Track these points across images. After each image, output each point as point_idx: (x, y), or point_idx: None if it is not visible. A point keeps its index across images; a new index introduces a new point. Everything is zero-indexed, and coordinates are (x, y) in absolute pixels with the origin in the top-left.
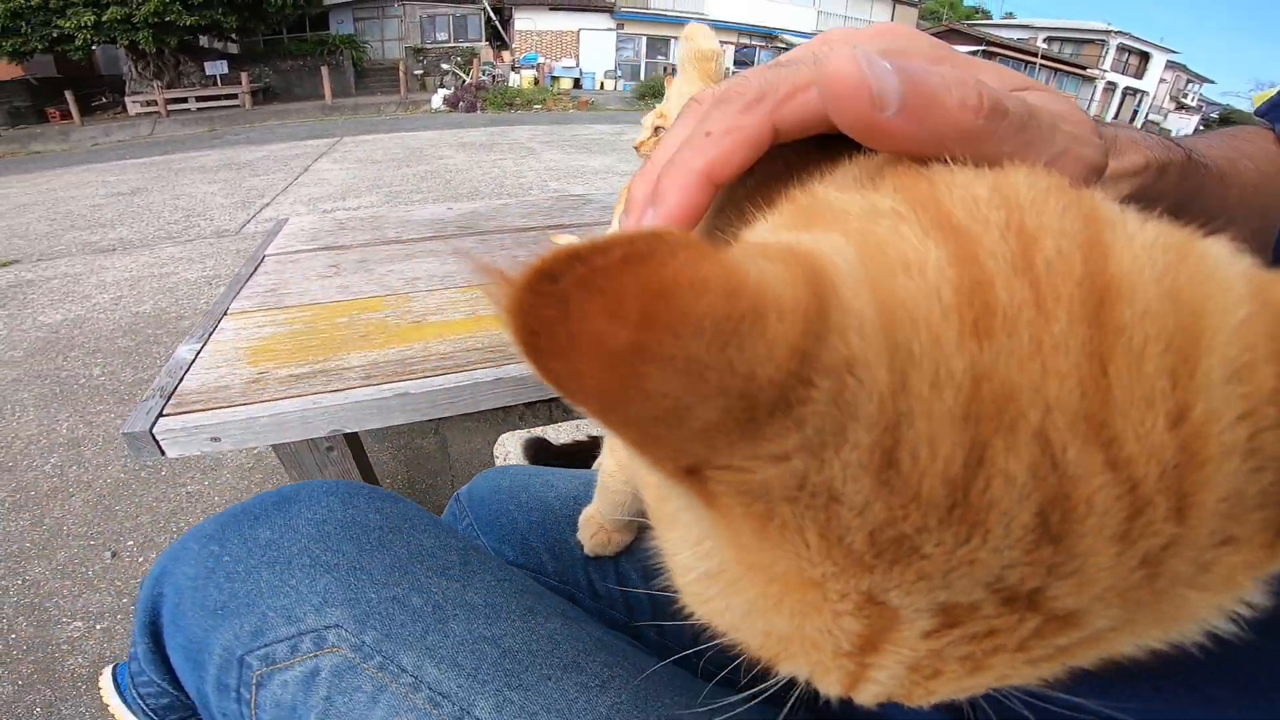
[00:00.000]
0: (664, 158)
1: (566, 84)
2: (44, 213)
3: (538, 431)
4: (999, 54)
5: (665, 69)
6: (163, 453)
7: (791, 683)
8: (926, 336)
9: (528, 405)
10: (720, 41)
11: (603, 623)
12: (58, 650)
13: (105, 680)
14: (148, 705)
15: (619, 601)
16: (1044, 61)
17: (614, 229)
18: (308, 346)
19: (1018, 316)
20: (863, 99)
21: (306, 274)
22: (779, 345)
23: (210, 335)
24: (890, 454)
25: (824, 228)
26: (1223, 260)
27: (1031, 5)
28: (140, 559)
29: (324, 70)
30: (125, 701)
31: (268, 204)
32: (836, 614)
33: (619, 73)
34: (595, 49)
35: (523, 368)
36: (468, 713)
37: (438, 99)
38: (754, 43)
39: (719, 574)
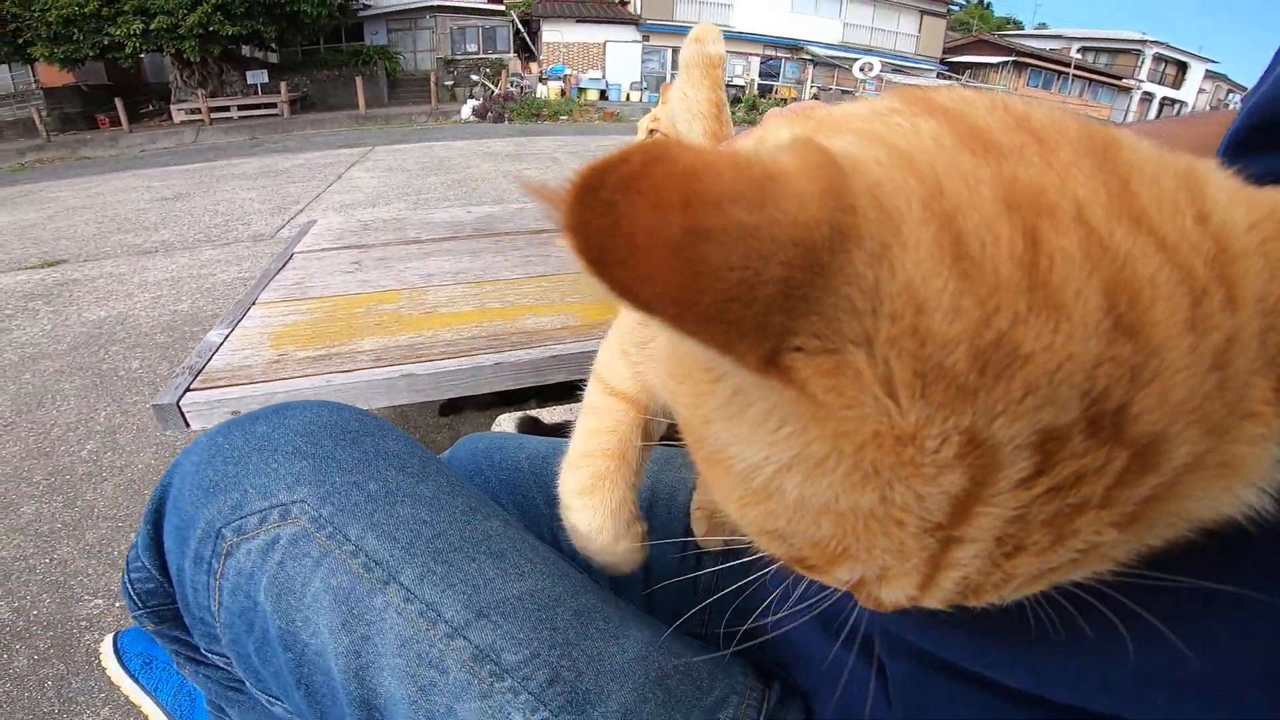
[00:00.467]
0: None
1: (593, 95)
2: (92, 216)
3: (533, 412)
4: (1031, 64)
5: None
6: (187, 424)
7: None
8: (944, 162)
9: (538, 400)
10: (746, 54)
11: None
12: (76, 627)
13: (106, 645)
14: (135, 590)
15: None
16: (1078, 72)
17: None
18: (326, 333)
19: (1022, 148)
20: None
21: (330, 269)
22: (806, 188)
23: (238, 322)
24: (957, 243)
25: (832, 131)
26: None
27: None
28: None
29: (358, 80)
30: (123, 665)
31: (301, 210)
32: (936, 468)
33: (645, 84)
34: (621, 60)
35: (521, 353)
36: (394, 579)
37: (467, 109)
38: (779, 54)
39: (800, 459)
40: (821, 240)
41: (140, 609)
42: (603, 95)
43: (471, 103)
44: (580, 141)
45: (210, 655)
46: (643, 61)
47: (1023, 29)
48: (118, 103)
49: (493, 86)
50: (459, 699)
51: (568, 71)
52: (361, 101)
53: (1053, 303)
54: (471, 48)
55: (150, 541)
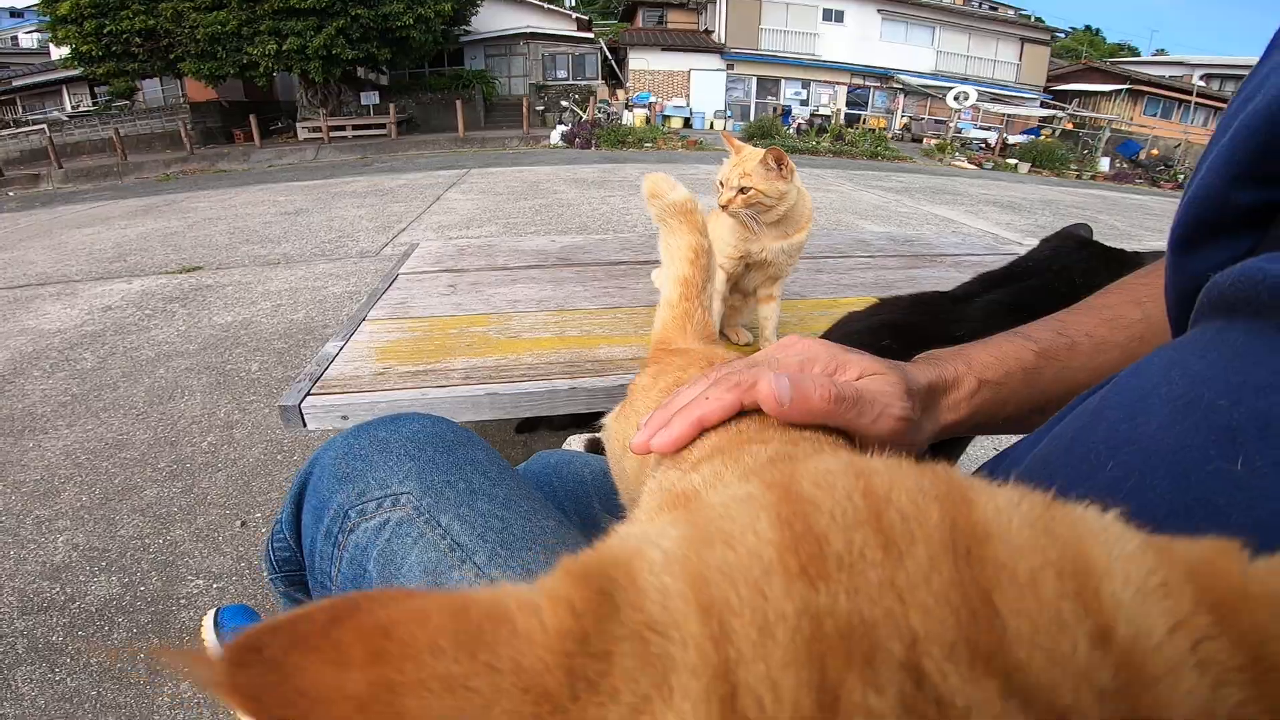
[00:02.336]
0: (679, 404)
1: (677, 123)
2: (226, 226)
3: (601, 435)
4: (1147, 92)
5: (774, 110)
6: (305, 425)
7: None
8: (746, 589)
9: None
10: (832, 83)
11: None
12: (176, 604)
13: (208, 617)
14: (274, 556)
15: None
16: (1200, 100)
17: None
18: (423, 350)
19: (858, 560)
20: (772, 403)
21: (429, 291)
22: (537, 633)
23: (351, 336)
24: (730, 700)
25: (672, 515)
26: (1084, 507)
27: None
28: (262, 530)
29: (458, 104)
30: (218, 636)
31: (404, 229)
32: None
33: (729, 113)
34: (705, 89)
35: (593, 380)
36: (470, 558)
37: (556, 135)
38: (867, 83)
39: None
40: (556, 687)
41: (276, 573)
42: (686, 123)
43: (561, 128)
44: (663, 169)
45: None
46: (727, 90)
47: (1138, 55)
48: (251, 119)
49: (581, 112)
50: None
51: (653, 99)
52: (460, 124)
53: None
54: (562, 74)
55: (291, 518)
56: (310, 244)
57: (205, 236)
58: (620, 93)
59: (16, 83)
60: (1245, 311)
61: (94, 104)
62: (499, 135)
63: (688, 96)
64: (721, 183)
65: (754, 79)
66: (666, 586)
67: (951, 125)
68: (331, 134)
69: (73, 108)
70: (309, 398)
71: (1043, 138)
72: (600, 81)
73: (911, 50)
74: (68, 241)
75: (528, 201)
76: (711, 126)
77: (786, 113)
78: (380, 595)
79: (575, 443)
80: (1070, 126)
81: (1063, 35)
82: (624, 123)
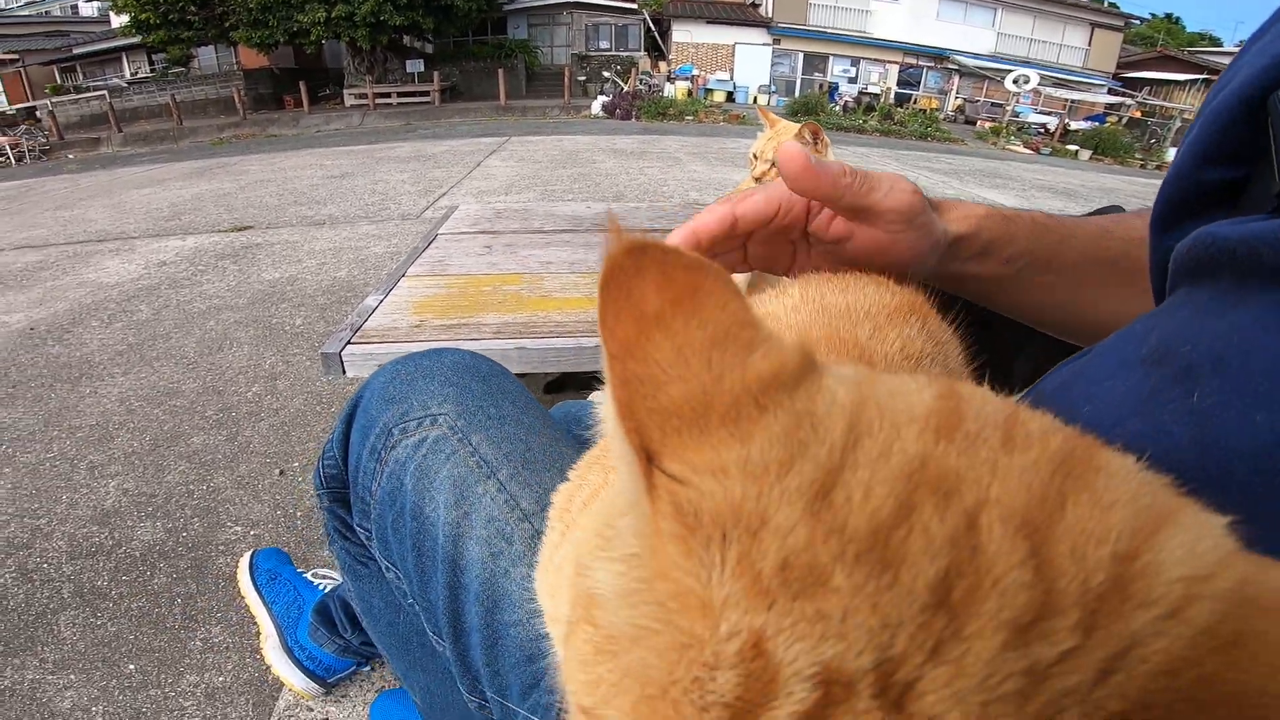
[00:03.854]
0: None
1: (719, 97)
2: (275, 188)
3: None
4: None
5: (820, 86)
6: (344, 372)
7: None
8: (889, 424)
9: None
10: (883, 61)
11: None
12: (214, 550)
13: (244, 560)
14: (324, 473)
15: None
16: None
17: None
18: (458, 305)
19: (979, 441)
20: (800, 159)
21: (466, 251)
22: (751, 370)
23: (390, 290)
24: (827, 490)
25: (857, 366)
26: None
27: None
28: (299, 480)
29: (500, 72)
30: (253, 578)
31: (444, 194)
32: (717, 660)
33: (773, 88)
34: (750, 63)
35: None
36: (494, 475)
37: (597, 105)
38: (920, 63)
39: (627, 574)
40: (719, 409)
41: (323, 489)
42: (729, 97)
43: (601, 99)
44: (704, 143)
45: (358, 530)
46: (772, 65)
47: (1220, 45)
48: (301, 86)
49: (622, 84)
50: (515, 564)
51: (695, 72)
52: (502, 93)
53: (883, 560)
54: (604, 44)
55: (341, 438)
56: (354, 206)
57: (255, 198)
58: (662, 65)
59: (77, 50)
60: (1205, 274)
61: (152, 71)
62: (540, 104)
63: (731, 70)
64: (755, 155)
65: (800, 55)
66: (838, 397)
67: (1009, 108)
68: (377, 101)
69: (131, 74)
70: (349, 346)
71: (1107, 125)
72: (643, 53)
73: (970, 31)
74: (126, 201)
75: (566, 170)
76: (755, 101)
77: (833, 90)
78: (728, 276)
79: (599, 398)
80: (1138, 115)
81: (1138, 22)
82: (665, 95)
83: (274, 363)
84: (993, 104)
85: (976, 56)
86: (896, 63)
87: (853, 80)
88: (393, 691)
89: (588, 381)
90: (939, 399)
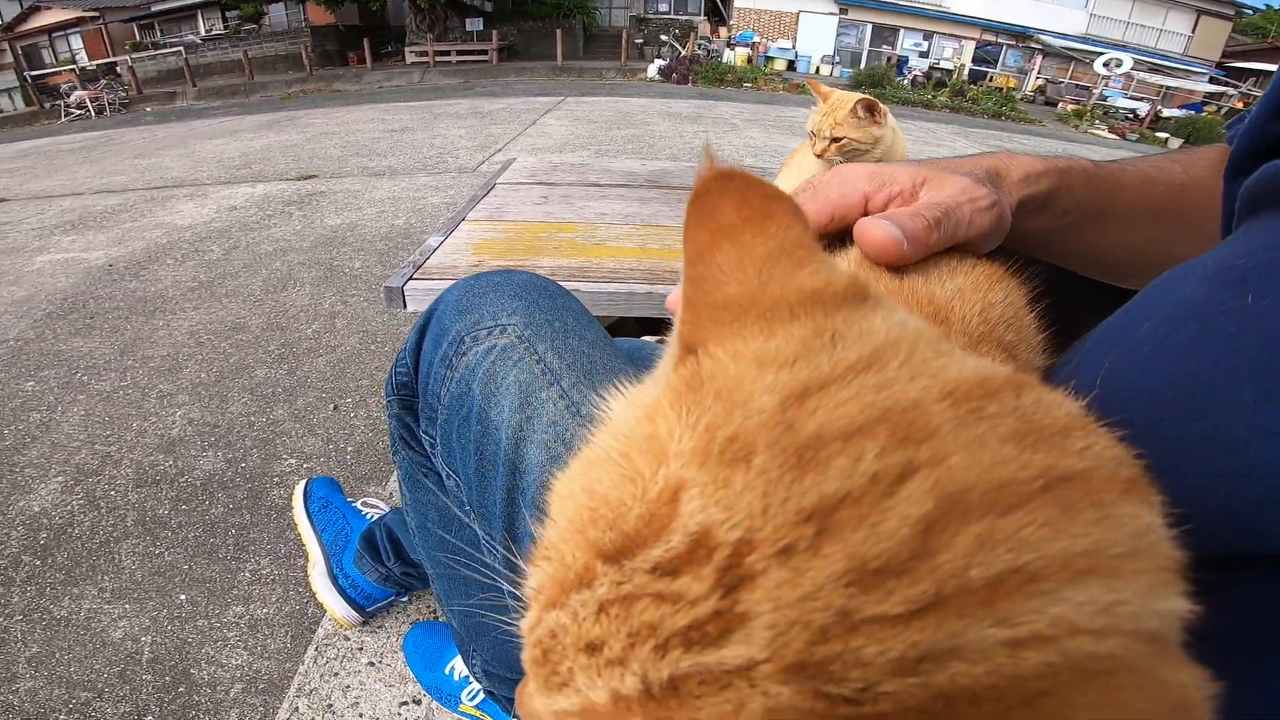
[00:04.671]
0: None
1: (780, 65)
2: (338, 141)
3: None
4: None
5: (889, 59)
6: (405, 305)
7: None
8: (907, 368)
9: None
10: (959, 36)
11: None
12: (269, 482)
13: (299, 487)
14: (395, 380)
15: None
16: None
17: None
18: (515, 248)
19: (987, 422)
20: (893, 249)
21: (523, 200)
22: (794, 283)
23: (451, 232)
24: (808, 394)
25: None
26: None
27: None
28: (352, 415)
29: (558, 33)
30: (306, 505)
31: (500, 149)
32: (642, 495)
33: (837, 58)
34: (815, 32)
35: (669, 288)
36: (558, 382)
37: (653, 69)
38: (1000, 40)
39: (628, 411)
40: (757, 312)
41: (392, 395)
42: (791, 66)
43: (658, 62)
44: (761, 110)
45: (422, 438)
46: (838, 35)
47: None
48: (365, 43)
49: (680, 48)
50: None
51: (756, 39)
52: (559, 53)
53: (801, 461)
54: (663, 7)
55: (414, 347)
56: (413, 159)
57: (320, 149)
58: (723, 30)
59: (155, 8)
60: (1266, 203)
61: (225, 28)
62: (596, 66)
63: (794, 39)
64: (813, 132)
65: (869, 26)
66: (874, 327)
67: (1095, 91)
68: (437, 58)
69: (206, 31)
70: (411, 281)
71: (1205, 114)
72: (702, 18)
73: (1058, 10)
74: (200, 151)
75: (620, 131)
76: (817, 71)
77: (901, 63)
78: (799, 211)
79: (650, 340)
80: (1240, 105)
81: (1251, 12)
82: (724, 61)
83: (333, 303)
84: (1078, 86)
85: (1064, 37)
86: (973, 39)
87: (924, 55)
88: (425, 624)
89: (637, 332)
90: (979, 375)
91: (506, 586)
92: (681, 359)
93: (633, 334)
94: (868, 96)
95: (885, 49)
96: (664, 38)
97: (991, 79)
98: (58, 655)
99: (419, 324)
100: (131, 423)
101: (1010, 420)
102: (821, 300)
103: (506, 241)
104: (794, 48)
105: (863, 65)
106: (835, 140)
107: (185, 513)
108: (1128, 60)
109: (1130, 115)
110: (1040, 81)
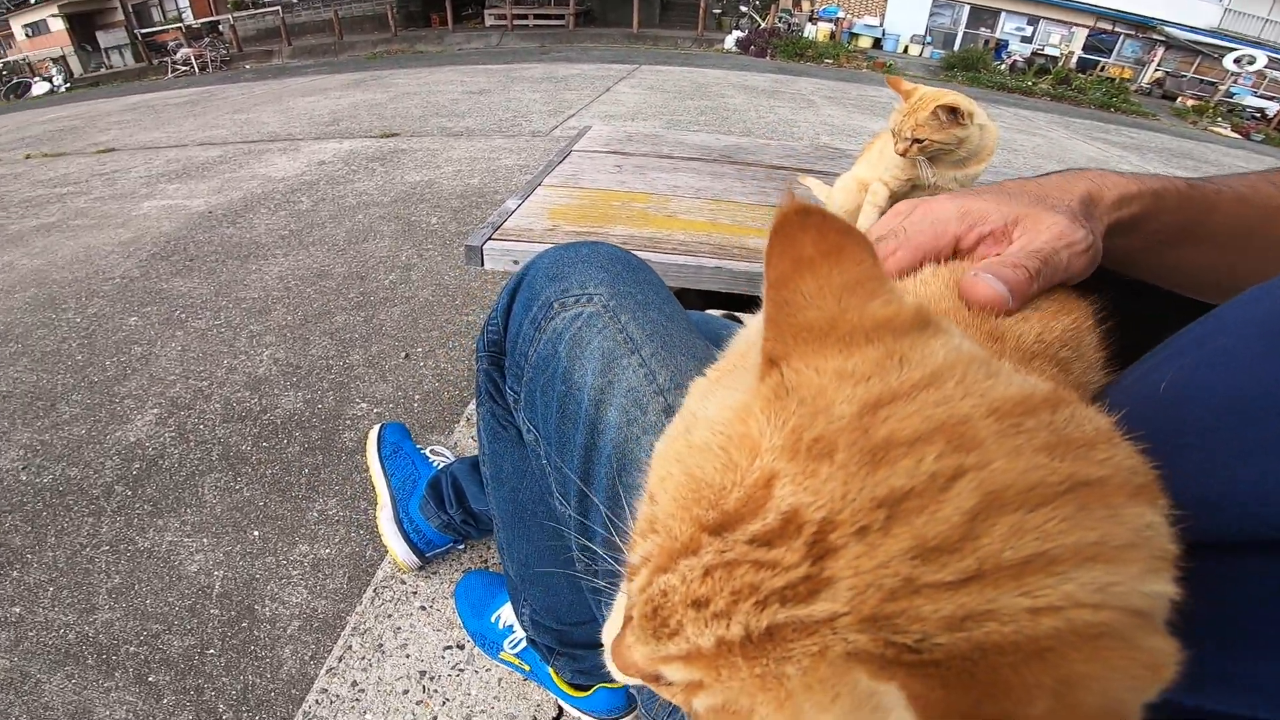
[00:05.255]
0: (885, 240)
1: (865, 42)
2: (419, 101)
3: (740, 315)
4: None
5: (986, 42)
6: (483, 263)
7: None
8: (962, 386)
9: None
10: (1069, 23)
11: None
12: (342, 424)
13: (374, 431)
14: (486, 339)
15: None
16: None
17: (851, 176)
18: (589, 215)
19: (1025, 434)
20: (999, 305)
21: (598, 168)
22: (868, 312)
23: (528, 196)
24: (881, 405)
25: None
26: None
27: None
28: (422, 365)
29: (635, 0)
30: (381, 458)
31: (573, 115)
32: (741, 480)
33: (929, 38)
34: (905, 10)
35: (738, 264)
36: (638, 351)
37: (730, 40)
38: (1117, 29)
39: (724, 409)
40: (838, 335)
41: (483, 352)
42: (876, 44)
43: (736, 33)
44: (841, 88)
45: (507, 393)
46: (931, 14)
47: None
48: (447, 4)
49: (760, 20)
50: (646, 432)
51: (841, 14)
52: (635, 20)
53: (875, 459)
54: None
55: (505, 309)
56: (489, 121)
57: (402, 108)
58: (805, 3)
59: None
60: None
61: None
62: (671, 34)
63: (882, 15)
64: (894, 132)
65: (966, 7)
66: (934, 351)
67: (1221, 88)
68: (515, 22)
69: None
70: (489, 241)
71: None
72: None
73: (1191, 2)
74: (293, 107)
75: (694, 102)
76: (905, 50)
77: (1000, 47)
78: (870, 247)
79: (715, 315)
80: None
81: None
82: (804, 35)
83: (409, 255)
84: (1202, 82)
85: (1193, 30)
86: (1086, 26)
87: (1027, 40)
88: (478, 572)
89: (703, 305)
90: (1021, 394)
91: (578, 539)
92: (766, 370)
93: (694, 306)
94: (952, 98)
95: (983, 31)
96: (743, 8)
97: (1104, 69)
98: (137, 587)
99: (509, 287)
100: (223, 360)
101: (1044, 434)
102: (892, 328)
103: (581, 208)
104: (881, 25)
105: (956, 46)
106: (918, 141)
107: (265, 450)
108: (1262, 57)
109: (1258, 114)
110: (1159, 74)
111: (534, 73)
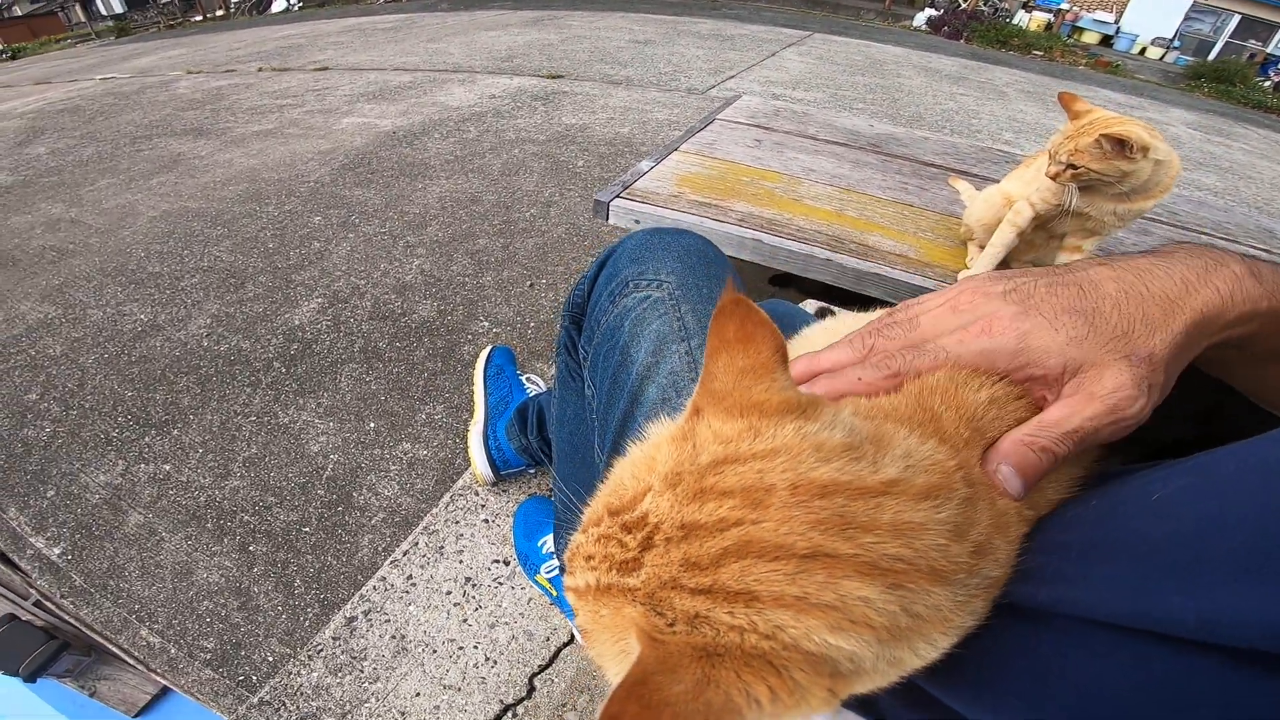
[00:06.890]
0: (824, 364)
1: (1091, 38)
2: (588, 45)
3: (834, 308)
4: None
5: (1252, 56)
6: (607, 218)
7: None
8: (794, 452)
9: (853, 305)
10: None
11: None
12: (464, 338)
13: (485, 351)
14: (572, 301)
15: None
16: None
17: (998, 189)
18: (715, 187)
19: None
20: (1014, 498)
21: (736, 141)
22: (754, 393)
23: (662, 160)
24: (729, 461)
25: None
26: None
27: None
28: (543, 295)
29: None
30: (485, 376)
31: (732, 76)
32: (635, 493)
33: (1177, 43)
34: (1150, 10)
35: (850, 259)
36: (689, 339)
37: (922, 17)
38: None
39: (655, 438)
40: (735, 400)
41: (568, 311)
42: (1106, 41)
43: (930, 11)
44: (1045, 83)
45: (580, 350)
46: (1187, 17)
47: None
48: None
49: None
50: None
51: (1065, 6)
52: None
53: (698, 491)
54: None
55: (592, 277)
56: (649, 72)
57: (570, 51)
58: None
59: None
60: None
61: None
62: (854, 4)
63: (1119, 12)
64: (1051, 153)
65: (1235, 16)
66: (787, 429)
67: None
68: None
69: None
70: (617, 199)
71: None
72: None
73: None
74: (476, 41)
75: (865, 78)
76: (1143, 52)
77: (1268, 64)
78: (767, 339)
79: (810, 305)
80: None
81: None
82: (1013, 23)
83: (552, 193)
84: None
85: None
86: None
87: None
88: (538, 498)
89: (814, 290)
90: (830, 480)
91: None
92: (691, 415)
93: (806, 290)
94: (1124, 128)
95: (1251, 44)
96: None
97: None
98: (267, 459)
99: (600, 259)
100: (380, 264)
101: (828, 513)
102: (761, 409)
103: (709, 179)
104: (1117, 21)
105: (1210, 56)
106: (1072, 167)
107: (397, 349)
108: None
109: None
110: None
111: (702, 28)
